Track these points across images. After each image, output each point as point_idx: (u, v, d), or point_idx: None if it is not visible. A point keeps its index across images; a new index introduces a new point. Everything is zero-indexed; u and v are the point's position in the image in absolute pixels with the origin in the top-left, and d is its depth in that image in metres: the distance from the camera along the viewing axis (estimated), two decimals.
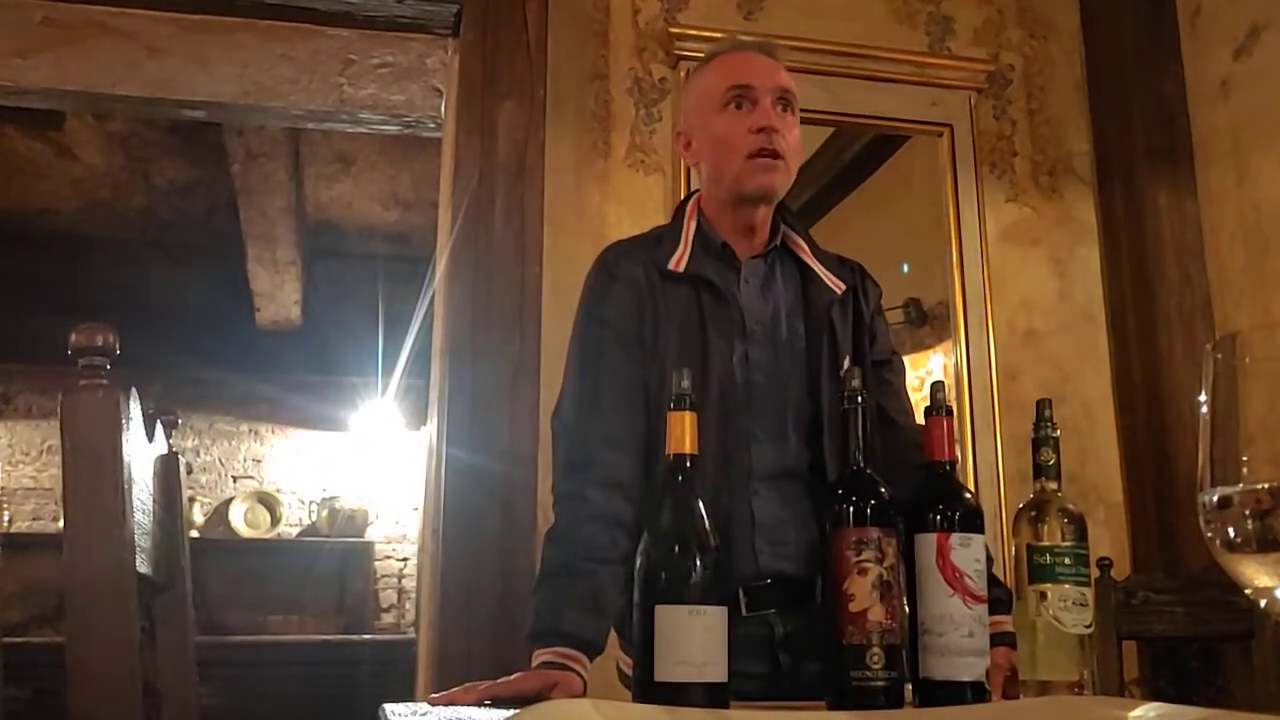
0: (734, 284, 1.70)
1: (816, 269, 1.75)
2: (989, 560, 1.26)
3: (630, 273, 1.69)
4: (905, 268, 3.39)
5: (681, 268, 1.68)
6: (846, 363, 1.66)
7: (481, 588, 2.51)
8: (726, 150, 1.68)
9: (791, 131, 1.70)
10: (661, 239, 1.74)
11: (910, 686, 1.18)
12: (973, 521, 1.19)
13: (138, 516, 1.34)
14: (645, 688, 1.10)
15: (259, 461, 6.49)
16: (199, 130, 4.88)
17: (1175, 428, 2.91)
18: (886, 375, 1.77)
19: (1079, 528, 1.23)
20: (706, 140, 1.72)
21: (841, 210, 3.71)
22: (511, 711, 1.19)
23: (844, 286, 1.73)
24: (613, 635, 1.60)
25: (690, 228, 1.73)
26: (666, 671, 1.10)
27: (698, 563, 1.13)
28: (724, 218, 1.73)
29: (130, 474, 1.29)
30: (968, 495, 1.23)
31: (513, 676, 1.40)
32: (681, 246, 1.70)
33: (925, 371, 3.49)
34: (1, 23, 2.99)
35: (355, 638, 5.67)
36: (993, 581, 1.32)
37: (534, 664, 1.47)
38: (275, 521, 6.34)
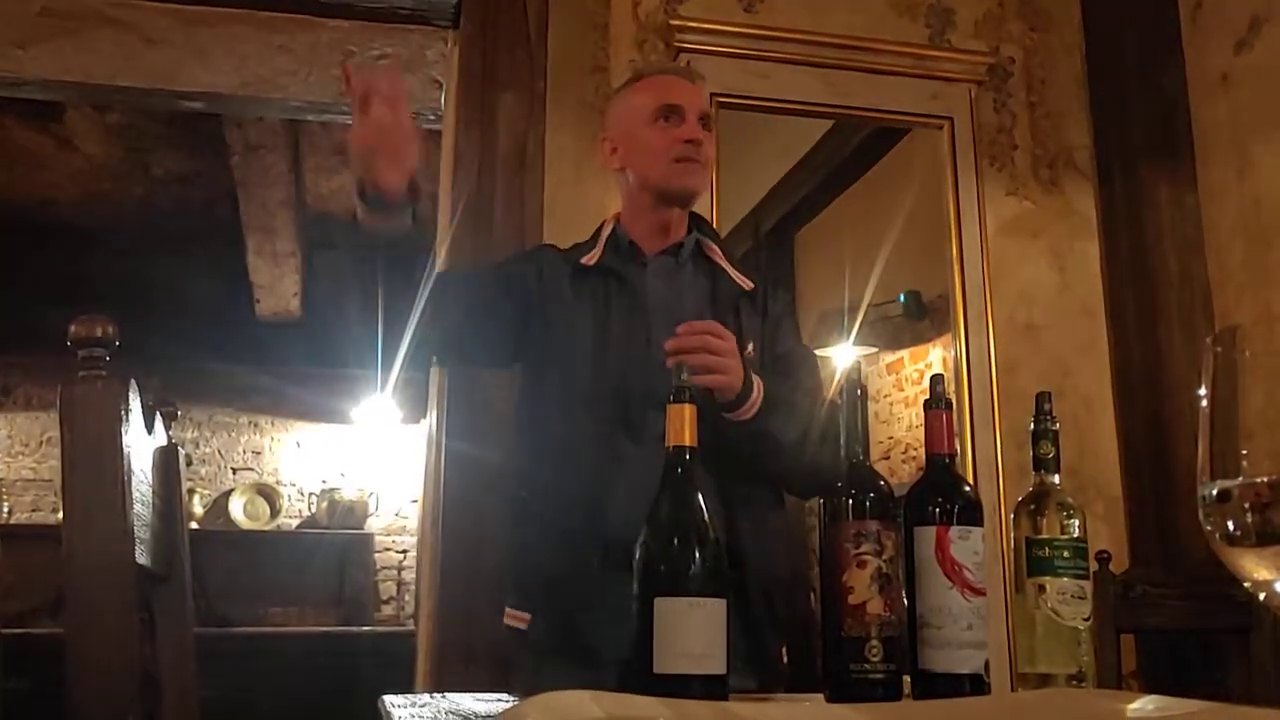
0: (640, 275, 1.90)
1: (726, 267, 1.95)
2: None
3: (543, 257, 1.97)
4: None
5: (592, 263, 1.90)
6: (750, 348, 1.85)
7: (481, 580, 2.52)
8: (654, 156, 1.89)
9: (711, 146, 1.92)
10: (581, 246, 1.97)
11: (909, 679, 1.18)
12: (972, 514, 1.19)
13: (137, 508, 1.34)
14: (644, 680, 1.10)
15: (258, 453, 6.50)
16: (198, 122, 4.86)
17: (1174, 421, 2.91)
18: (784, 366, 1.94)
19: (1078, 521, 1.23)
20: (635, 148, 1.92)
21: (842, 203, 3.71)
22: (508, 704, 1.19)
23: (751, 284, 1.93)
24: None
25: (605, 233, 1.96)
26: (666, 664, 1.10)
27: (697, 554, 1.13)
28: (641, 220, 1.94)
29: (130, 465, 1.29)
30: (967, 488, 1.23)
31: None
32: (595, 248, 1.93)
33: (924, 364, 3.50)
34: (1, 13, 2.98)
35: (355, 629, 5.68)
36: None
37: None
38: (275, 513, 6.35)
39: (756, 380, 1.73)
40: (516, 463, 1.93)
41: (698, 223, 2.00)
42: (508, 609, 1.85)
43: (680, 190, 1.89)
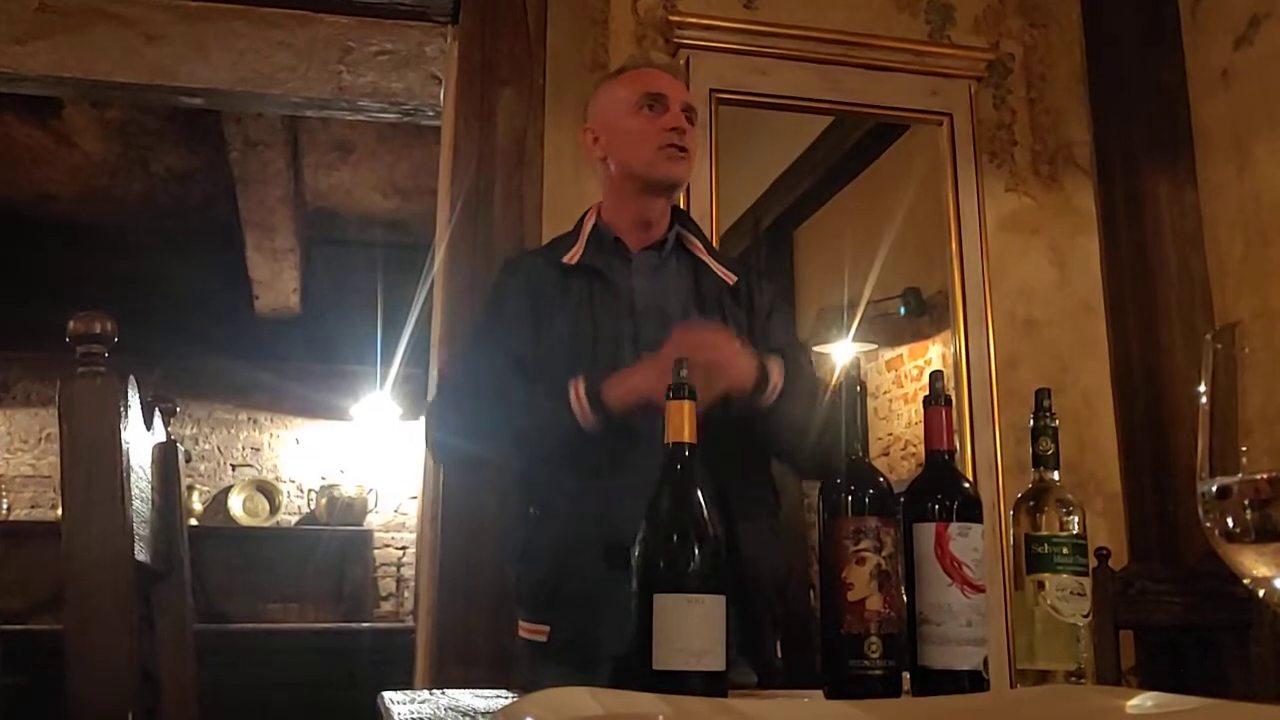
0: (625, 273, 1.87)
1: (709, 261, 1.92)
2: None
3: (525, 266, 1.93)
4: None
5: (575, 261, 1.86)
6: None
7: (480, 576, 2.52)
8: (638, 143, 1.86)
9: (694, 139, 1.88)
10: (563, 240, 1.94)
11: (908, 675, 1.18)
12: (971, 511, 1.19)
13: (136, 504, 1.34)
14: (643, 676, 1.10)
15: (258, 449, 6.50)
16: (197, 118, 4.87)
17: (1174, 418, 2.91)
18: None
19: (1077, 517, 1.23)
20: (618, 136, 1.89)
21: (841, 199, 3.71)
22: (509, 700, 1.19)
23: (735, 278, 1.90)
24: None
25: (587, 227, 1.92)
26: (665, 660, 1.09)
27: (696, 551, 1.13)
28: (624, 213, 1.91)
29: (129, 462, 1.29)
30: (966, 485, 1.23)
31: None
32: (577, 244, 1.89)
33: (924, 361, 3.50)
34: (0, 10, 2.98)
35: (354, 625, 5.68)
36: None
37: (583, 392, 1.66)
38: (274, 510, 6.35)
39: (773, 365, 1.71)
40: (516, 468, 1.88)
41: (679, 216, 1.97)
42: (521, 623, 1.82)
43: (664, 178, 1.86)
